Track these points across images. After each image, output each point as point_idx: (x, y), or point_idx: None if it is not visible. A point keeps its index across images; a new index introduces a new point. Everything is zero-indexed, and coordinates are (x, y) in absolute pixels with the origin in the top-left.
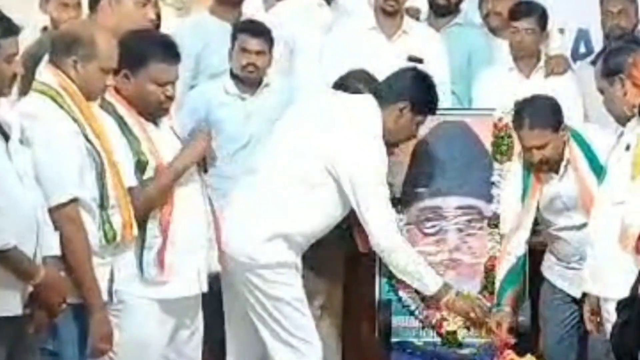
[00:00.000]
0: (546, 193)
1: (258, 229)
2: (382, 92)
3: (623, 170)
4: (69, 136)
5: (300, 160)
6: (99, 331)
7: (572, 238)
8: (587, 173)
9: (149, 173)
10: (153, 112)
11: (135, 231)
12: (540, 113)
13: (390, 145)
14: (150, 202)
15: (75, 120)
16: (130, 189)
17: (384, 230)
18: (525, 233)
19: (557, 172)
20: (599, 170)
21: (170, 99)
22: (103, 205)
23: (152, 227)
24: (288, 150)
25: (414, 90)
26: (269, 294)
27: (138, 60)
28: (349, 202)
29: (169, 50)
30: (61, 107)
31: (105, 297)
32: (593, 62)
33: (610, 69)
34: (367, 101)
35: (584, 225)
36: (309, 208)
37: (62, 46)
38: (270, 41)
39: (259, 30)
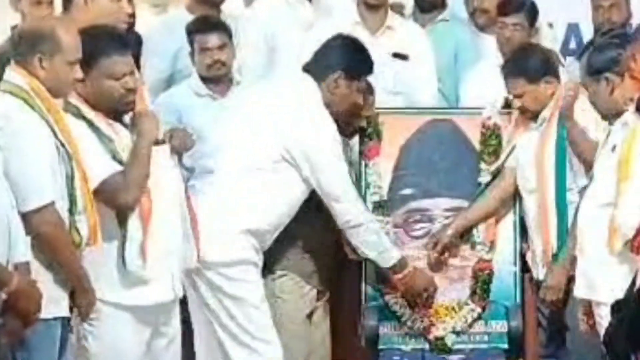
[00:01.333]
0: (523, 138)
1: (223, 227)
2: (314, 68)
3: (609, 171)
4: (42, 139)
5: (253, 151)
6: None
7: (529, 207)
8: (549, 136)
9: None
10: (116, 108)
11: (100, 240)
12: (519, 62)
13: (341, 120)
14: (138, 185)
15: (46, 122)
16: (112, 177)
17: (353, 206)
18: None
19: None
20: (561, 141)
21: (131, 91)
22: (71, 211)
23: (134, 220)
24: (240, 144)
25: (342, 58)
26: (231, 293)
27: (87, 58)
28: (307, 184)
29: (116, 42)
30: (32, 108)
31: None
32: (579, 58)
33: (595, 67)
34: (305, 80)
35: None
36: (271, 198)
37: (24, 45)
38: (228, 33)
39: (214, 24)
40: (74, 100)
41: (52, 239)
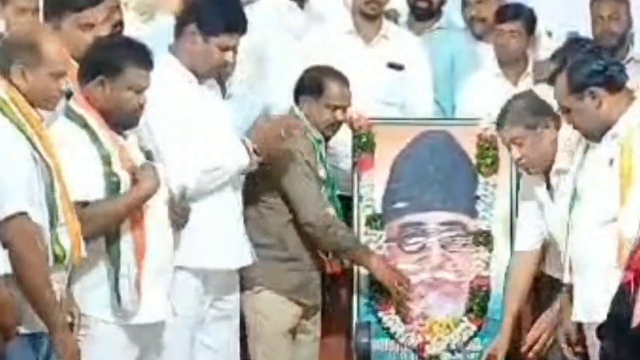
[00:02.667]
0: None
1: None
2: (175, 24)
3: (609, 186)
4: (17, 149)
5: None
6: (64, 351)
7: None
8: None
9: (123, 189)
10: (126, 121)
11: (84, 252)
12: None
13: (207, 76)
14: (97, 227)
15: (22, 131)
16: (86, 204)
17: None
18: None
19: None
20: None
21: (143, 107)
22: (53, 223)
23: (127, 254)
24: None
25: (196, 9)
26: None
27: (115, 66)
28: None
29: (145, 56)
30: (7, 116)
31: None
32: (551, 80)
33: (577, 84)
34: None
35: None
36: None
37: (7, 54)
38: None
39: None
40: (77, 108)
41: (23, 251)
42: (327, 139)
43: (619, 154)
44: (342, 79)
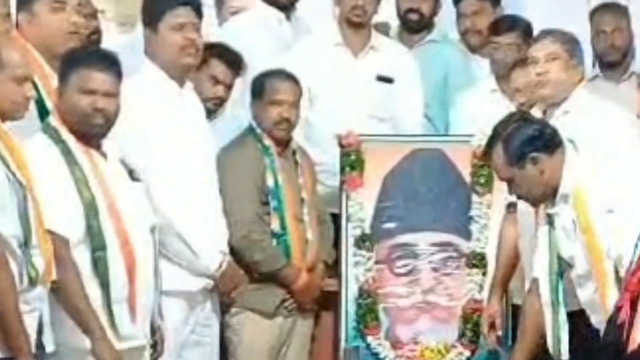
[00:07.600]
0: None
1: None
2: None
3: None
4: None
5: None
6: None
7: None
8: None
9: (102, 214)
10: (85, 130)
11: (54, 275)
12: None
13: (183, 71)
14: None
15: None
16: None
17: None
18: None
19: None
20: None
21: (100, 111)
22: (26, 243)
23: (118, 274)
24: None
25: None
26: None
27: (66, 68)
28: None
29: (98, 57)
30: None
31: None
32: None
33: (516, 154)
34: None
35: None
36: None
37: None
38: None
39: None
40: (53, 121)
41: None
42: (285, 144)
43: (574, 214)
44: (285, 76)
